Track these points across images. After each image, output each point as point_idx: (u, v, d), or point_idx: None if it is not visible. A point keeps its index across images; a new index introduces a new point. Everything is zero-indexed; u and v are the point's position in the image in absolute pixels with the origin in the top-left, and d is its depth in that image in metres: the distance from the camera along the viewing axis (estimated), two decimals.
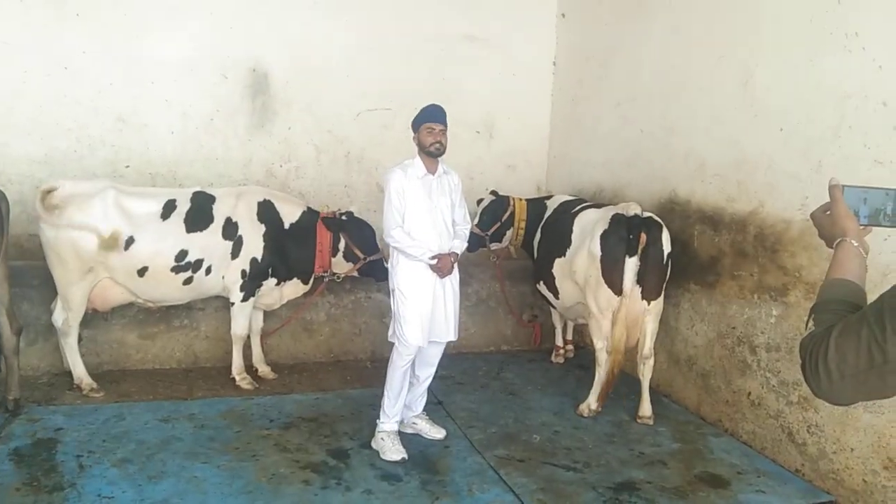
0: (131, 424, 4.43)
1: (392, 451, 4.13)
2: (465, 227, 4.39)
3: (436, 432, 4.44)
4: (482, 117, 6.89)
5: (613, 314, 4.55)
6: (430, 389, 4.57)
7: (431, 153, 4.17)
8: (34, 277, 5.04)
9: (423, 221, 4.15)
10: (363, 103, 6.42)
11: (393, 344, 4.25)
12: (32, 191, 5.40)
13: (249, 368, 5.32)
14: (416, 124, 4.20)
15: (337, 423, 4.59)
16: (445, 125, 4.17)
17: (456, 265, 4.28)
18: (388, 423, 4.22)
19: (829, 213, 1.51)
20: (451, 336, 4.34)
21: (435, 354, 4.38)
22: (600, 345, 4.69)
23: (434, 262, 4.13)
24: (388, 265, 4.29)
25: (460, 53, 6.68)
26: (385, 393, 4.24)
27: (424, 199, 4.16)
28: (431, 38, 6.57)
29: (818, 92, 3.92)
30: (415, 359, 4.30)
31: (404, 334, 4.13)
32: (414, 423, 4.47)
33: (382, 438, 4.19)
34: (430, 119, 4.15)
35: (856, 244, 1.43)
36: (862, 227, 1.49)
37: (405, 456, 4.12)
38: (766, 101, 4.31)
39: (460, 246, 4.31)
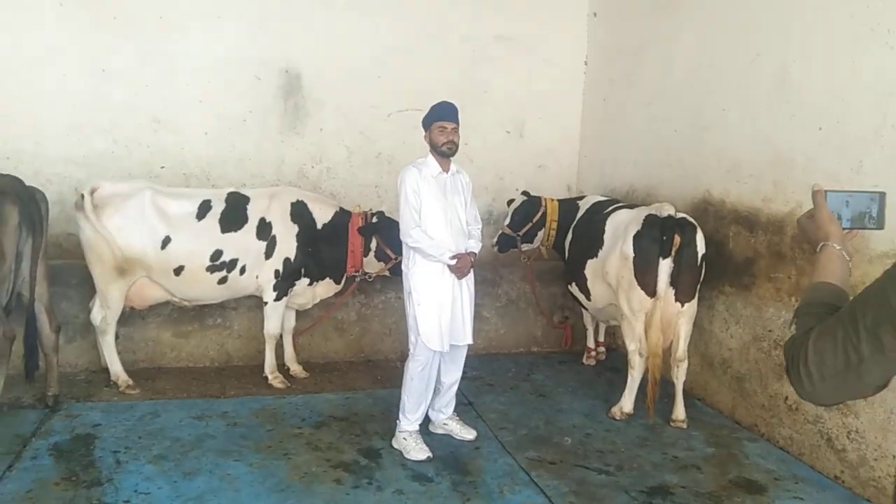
0: (166, 422, 4.50)
1: (416, 450, 4.13)
2: (478, 226, 4.37)
3: (466, 433, 4.42)
4: (512, 117, 6.86)
5: (647, 316, 4.50)
6: (460, 390, 4.57)
7: (444, 153, 4.12)
8: (73, 276, 5.15)
9: (439, 220, 4.10)
10: (394, 104, 6.44)
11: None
12: (70, 191, 5.55)
13: (281, 367, 5.37)
14: (427, 122, 4.15)
15: (367, 423, 4.61)
16: (458, 123, 4.12)
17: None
18: (408, 423, 4.21)
19: (812, 217, 1.54)
20: (469, 339, 4.29)
21: (458, 358, 4.35)
22: (633, 347, 4.64)
23: (454, 262, 4.09)
24: (403, 267, 4.22)
25: (491, 53, 6.66)
26: (404, 397, 4.21)
27: (440, 197, 4.12)
28: (462, 39, 6.57)
29: (858, 89, 3.83)
30: (438, 366, 4.27)
31: (423, 340, 4.09)
32: (445, 425, 4.46)
33: (405, 438, 4.19)
34: (442, 117, 4.10)
35: (838, 248, 1.46)
36: (846, 231, 1.52)
37: (430, 454, 4.12)
38: (803, 98, 4.22)
39: (476, 246, 4.27)
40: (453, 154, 4.16)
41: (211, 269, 4.88)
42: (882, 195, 1.54)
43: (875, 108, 3.71)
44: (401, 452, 4.17)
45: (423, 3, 6.42)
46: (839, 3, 3.96)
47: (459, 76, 6.50)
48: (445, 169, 4.18)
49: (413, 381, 4.18)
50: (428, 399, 4.28)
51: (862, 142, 3.79)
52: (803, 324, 1.37)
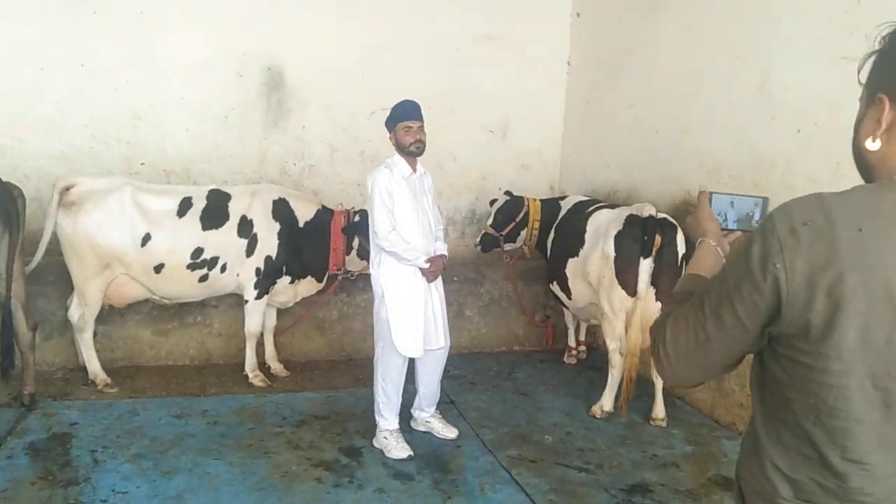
0: (145, 420, 4.46)
1: (397, 448, 4.12)
2: (441, 227, 4.36)
3: (448, 431, 4.43)
4: (496, 117, 6.87)
5: (627, 316, 4.53)
6: (443, 389, 4.57)
7: (412, 153, 4.06)
8: (50, 273, 5.08)
9: (411, 222, 4.05)
10: (377, 102, 6.36)
11: None
12: (48, 187, 5.45)
13: (262, 366, 5.34)
14: (392, 124, 4.05)
15: (349, 421, 4.60)
16: (423, 121, 4.05)
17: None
18: (387, 422, 4.20)
19: (694, 216, 1.66)
20: (443, 342, 4.28)
21: (434, 363, 4.33)
22: (613, 346, 4.67)
23: (427, 265, 4.07)
24: (372, 269, 4.15)
25: (474, 53, 6.66)
26: (379, 399, 4.20)
27: (411, 199, 4.07)
28: (446, 38, 6.57)
29: (837, 92, 3.88)
30: (415, 372, 4.28)
31: (397, 344, 4.04)
32: (427, 422, 4.47)
33: (385, 437, 4.18)
34: (406, 117, 4.02)
35: (713, 244, 1.56)
36: (730, 231, 1.64)
37: (411, 453, 4.11)
38: (784, 102, 4.27)
39: (444, 248, 4.26)
40: (421, 153, 4.09)
41: (191, 267, 4.84)
42: (765, 200, 1.67)
43: (853, 111, 3.75)
44: (382, 451, 4.16)
45: (407, 2, 6.41)
46: (818, 8, 4.01)
47: (443, 76, 6.50)
48: (414, 169, 4.13)
49: (386, 381, 4.16)
50: (400, 395, 4.24)
51: (840, 144, 3.80)
52: (667, 310, 1.45)
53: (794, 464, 1.23)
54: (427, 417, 4.47)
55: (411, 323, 4.06)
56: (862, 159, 1.29)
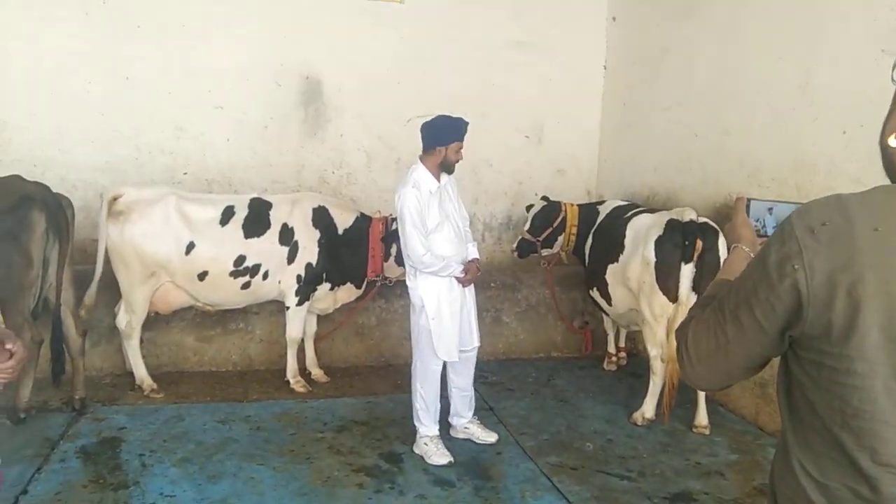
0: (190, 425, 4.54)
1: (438, 454, 4.14)
2: (468, 223, 4.38)
3: (488, 436, 4.43)
4: (531, 122, 6.86)
5: (668, 322, 4.48)
6: (480, 395, 4.59)
7: (451, 171, 4.10)
8: (98, 281, 5.21)
9: (442, 234, 4.07)
10: (413, 110, 6.42)
11: None
12: (95, 197, 5.63)
13: (303, 371, 5.40)
14: (448, 139, 3.96)
15: (388, 427, 4.63)
16: None
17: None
18: (427, 428, 4.23)
19: (731, 223, 1.67)
20: (476, 342, 4.34)
21: (467, 364, 4.36)
22: (654, 352, 4.62)
23: (463, 274, 4.11)
24: (408, 281, 4.17)
25: (509, 59, 6.67)
26: (417, 405, 4.23)
27: (440, 211, 4.07)
28: (481, 45, 6.59)
29: (882, 94, 3.79)
30: (447, 379, 4.31)
31: (438, 351, 4.10)
32: (466, 429, 4.47)
33: (426, 444, 4.20)
34: (462, 138, 4.01)
35: (747, 249, 1.57)
36: (765, 238, 1.63)
37: (452, 459, 4.12)
38: (827, 102, 4.20)
39: (475, 250, 4.29)
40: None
41: (234, 275, 4.93)
42: None
43: None
44: (422, 457, 4.18)
45: (441, 10, 6.44)
46: (862, 7, 3.94)
47: (478, 82, 6.52)
48: (438, 180, 4.10)
49: (424, 388, 4.20)
50: (438, 400, 4.28)
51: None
52: (692, 313, 1.45)
53: (824, 469, 1.21)
54: (465, 424, 4.48)
55: (449, 329, 4.11)
56: (886, 158, 1.28)
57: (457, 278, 4.11)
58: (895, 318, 1.09)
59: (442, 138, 3.99)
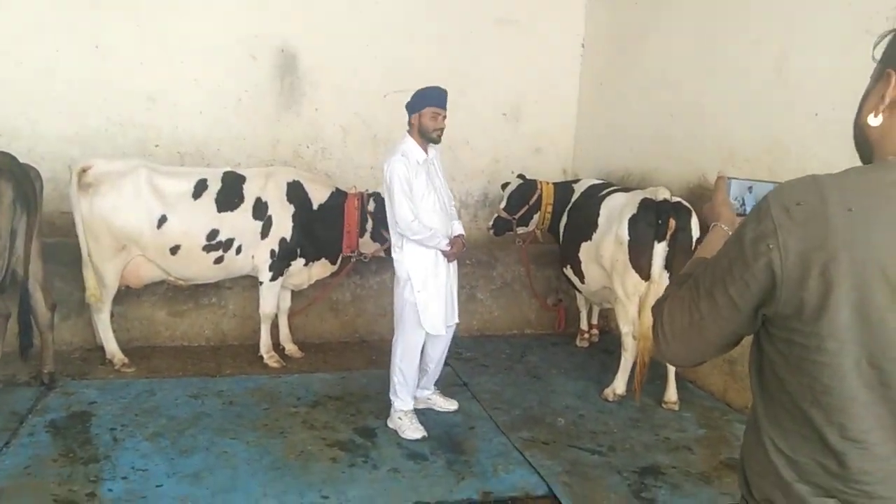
0: (162, 400, 4.52)
1: (412, 429, 4.18)
2: (454, 203, 4.41)
3: (449, 404, 4.54)
4: (509, 100, 6.85)
5: (640, 300, 4.53)
6: (455, 371, 4.62)
7: (433, 139, 4.08)
8: (67, 254, 5.11)
9: (429, 206, 4.09)
10: (390, 85, 6.38)
11: None
12: (64, 168, 5.50)
13: (277, 347, 5.38)
14: (419, 106, 4.01)
15: (362, 402, 4.64)
16: (447, 111, 4.08)
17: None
18: (402, 403, 4.26)
19: (710, 202, 1.66)
20: (457, 318, 4.40)
21: (445, 339, 4.39)
22: (626, 329, 4.68)
23: (449, 248, 4.14)
24: (394, 253, 4.17)
25: (488, 36, 6.63)
26: (395, 378, 4.24)
27: (427, 183, 4.09)
28: (459, 21, 6.53)
29: (856, 76, 3.84)
30: (424, 352, 4.34)
31: (425, 324, 4.12)
32: (428, 399, 4.55)
33: (400, 418, 4.23)
34: (437, 103, 4.02)
35: (725, 228, 1.57)
36: (744, 217, 1.65)
37: (425, 433, 4.17)
38: (801, 85, 4.24)
39: (460, 227, 4.31)
40: (439, 142, 4.13)
41: (207, 249, 4.88)
42: None
43: None
44: (396, 432, 4.21)
45: None
46: None
47: (456, 58, 6.47)
48: (426, 152, 4.13)
49: (404, 362, 4.22)
50: (416, 375, 4.32)
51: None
52: (668, 290, 1.47)
53: (794, 445, 1.24)
54: (428, 395, 4.54)
55: (435, 302, 4.14)
56: (862, 136, 1.29)
57: (442, 252, 4.13)
58: (867, 297, 1.11)
59: (415, 105, 4.05)
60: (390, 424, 4.27)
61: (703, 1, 5.16)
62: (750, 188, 1.66)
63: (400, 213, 3.99)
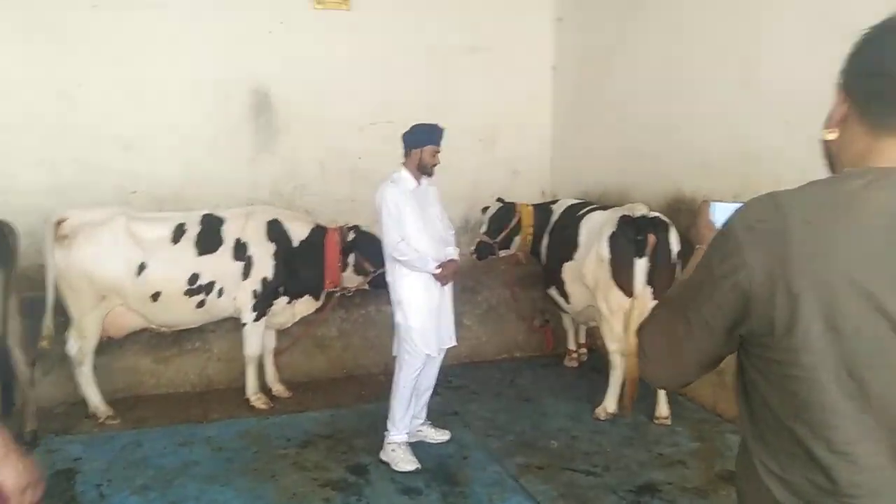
0: (149, 451, 4.44)
1: (405, 461, 4.15)
2: (452, 232, 4.45)
3: (441, 435, 4.50)
4: (484, 125, 6.89)
5: (625, 316, 4.53)
6: (446, 400, 4.58)
7: (430, 173, 4.24)
8: (45, 308, 5.05)
9: (420, 231, 4.17)
10: (366, 117, 6.44)
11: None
12: (41, 221, 5.42)
13: (264, 388, 5.32)
14: (422, 142, 4.17)
15: (354, 439, 4.59)
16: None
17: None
18: (398, 434, 4.23)
19: (695, 226, 1.70)
20: (453, 341, 4.41)
21: (437, 364, 4.40)
22: (614, 347, 4.68)
23: (438, 271, 4.16)
24: (388, 277, 4.28)
25: (460, 63, 6.69)
26: (393, 405, 4.24)
27: (417, 210, 4.19)
28: (431, 50, 6.59)
29: (823, 84, 3.89)
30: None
31: (417, 346, 4.14)
32: (419, 431, 4.50)
33: (393, 450, 4.20)
34: (437, 142, 4.20)
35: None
36: None
37: (419, 465, 4.13)
38: (770, 94, 4.30)
39: (455, 252, 4.37)
40: (433, 175, 4.28)
41: (188, 293, 4.84)
42: None
43: None
44: (388, 465, 4.16)
45: (390, 17, 6.42)
46: (799, 1, 4.05)
47: (430, 87, 6.52)
48: (418, 182, 4.25)
49: (404, 389, 4.21)
50: (412, 403, 4.31)
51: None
52: (652, 312, 1.48)
53: (784, 464, 1.23)
54: (419, 426, 4.50)
55: (428, 324, 4.19)
56: (825, 150, 1.33)
57: (434, 276, 4.17)
58: (833, 307, 1.11)
59: (417, 142, 4.19)
60: (383, 457, 4.23)
61: (670, 15, 5.23)
62: (735, 211, 1.70)
63: (386, 232, 4.12)
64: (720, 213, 1.64)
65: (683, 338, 1.31)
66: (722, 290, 1.21)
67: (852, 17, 3.72)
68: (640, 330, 1.45)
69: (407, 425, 4.27)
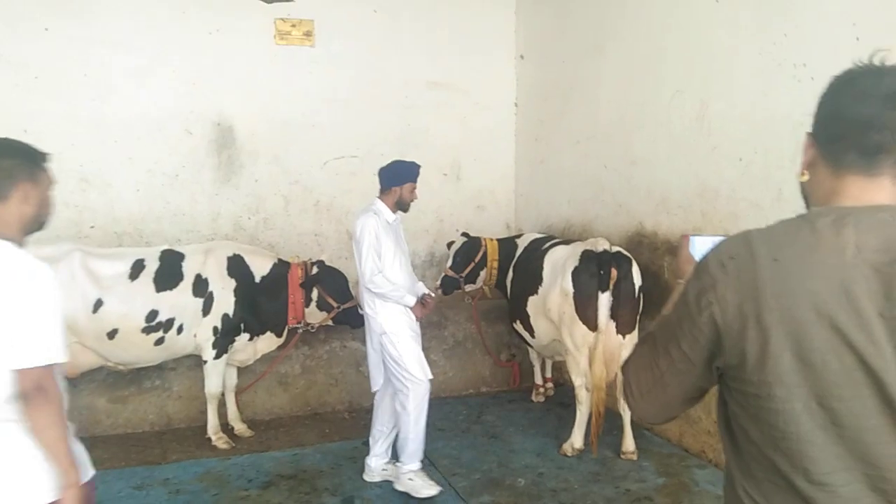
0: (103, 495, 4.25)
1: (426, 486, 4.16)
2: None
3: (428, 490, 4.20)
4: (449, 160, 6.95)
5: (590, 350, 4.55)
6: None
7: (405, 210, 4.31)
8: None
9: (397, 264, 4.21)
10: (330, 152, 6.45)
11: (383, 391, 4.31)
12: None
13: (225, 427, 5.19)
14: (403, 180, 4.22)
15: (317, 479, 4.49)
16: None
17: None
18: (412, 462, 4.20)
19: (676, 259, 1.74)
20: (429, 374, 4.36)
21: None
22: (579, 381, 4.68)
23: (413, 304, 4.20)
24: (367, 311, 4.24)
25: (425, 99, 6.76)
26: (409, 436, 4.17)
27: (395, 242, 4.23)
28: (396, 86, 6.65)
29: (772, 122, 4.03)
30: (380, 409, 4.37)
31: (416, 373, 4.13)
32: (384, 470, 4.43)
33: (410, 479, 4.18)
34: (415, 179, 4.26)
35: None
36: None
37: (440, 488, 4.16)
38: (723, 132, 4.42)
39: (424, 287, 4.44)
40: (408, 211, 4.36)
41: (146, 331, 4.72)
42: None
43: (790, 138, 3.89)
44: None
45: (354, 53, 6.48)
46: (748, 41, 4.19)
47: (394, 122, 6.58)
48: (394, 214, 4.31)
49: (418, 415, 4.16)
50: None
51: (780, 170, 3.97)
52: (635, 349, 1.50)
53: (767, 495, 1.25)
54: (384, 464, 4.43)
55: (417, 349, 4.21)
56: (802, 191, 1.40)
57: (411, 309, 4.20)
58: (802, 341, 1.15)
59: (397, 179, 4.23)
60: (399, 488, 4.20)
61: (626, 56, 5.37)
62: (714, 244, 1.71)
63: (366, 264, 4.10)
64: (700, 245, 1.68)
65: (666, 372, 1.34)
66: (699, 325, 1.26)
67: (802, 58, 3.88)
68: (625, 366, 1.47)
69: (422, 451, 4.24)
